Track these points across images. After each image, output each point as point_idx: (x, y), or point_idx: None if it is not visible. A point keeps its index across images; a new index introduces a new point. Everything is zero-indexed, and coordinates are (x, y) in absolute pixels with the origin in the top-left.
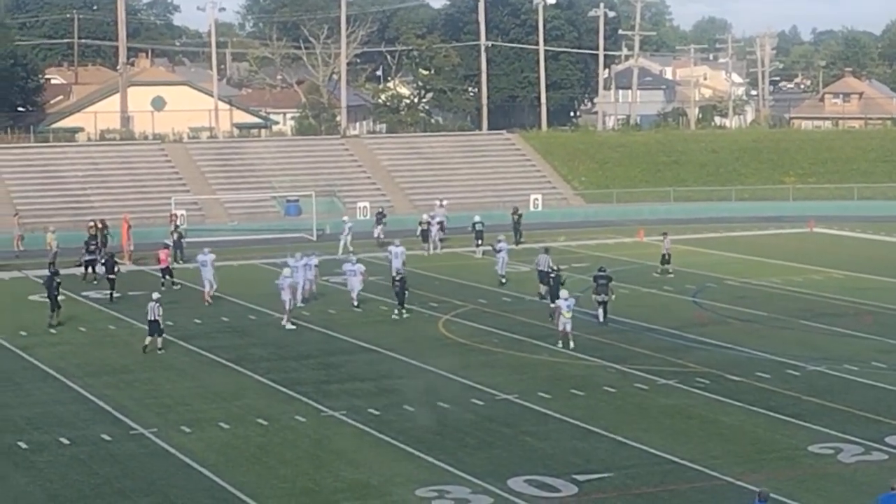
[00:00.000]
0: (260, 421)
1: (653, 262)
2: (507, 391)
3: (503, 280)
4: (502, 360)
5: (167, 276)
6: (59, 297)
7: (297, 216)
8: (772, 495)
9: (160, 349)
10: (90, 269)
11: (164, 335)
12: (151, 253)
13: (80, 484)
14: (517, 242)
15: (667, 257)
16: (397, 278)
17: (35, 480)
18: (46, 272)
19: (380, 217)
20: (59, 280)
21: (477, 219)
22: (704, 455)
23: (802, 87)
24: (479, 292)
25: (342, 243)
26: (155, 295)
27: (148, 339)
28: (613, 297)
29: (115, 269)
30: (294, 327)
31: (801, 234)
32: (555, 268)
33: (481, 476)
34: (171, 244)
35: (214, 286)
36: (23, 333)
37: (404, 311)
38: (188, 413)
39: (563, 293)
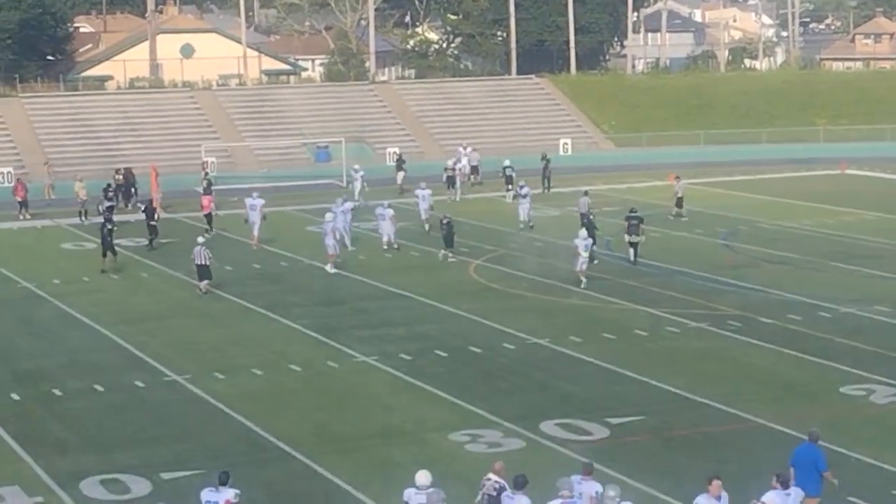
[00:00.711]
0: (293, 367)
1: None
2: (539, 335)
3: (530, 225)
4: (533, 305)
5: (209, 224)
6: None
7: (327, 162)
8: (804, 437)
9: (205, 293)
10: (110, 213)
11: (210, 279)
12: (181, 201)
13: (114, 430)
14: (546, 189)
15: (679, 201)
16: (444, 221)
17: (71, 427)
18: (101, 219)
19: (400, 163)
20: (111, 227)
21: (507, 163)
22: (736, 397)
23: (833, 27)
24: (509, 237)
25: (357, 191)
26: (200, 239)
27: (202, 284)
28: (644, 238)
29: (156, 216)
30: (336, 271)
31: (833, 176)
32: (592, 211)
33: (513, 420)
34: (203, 191)
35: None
36: (56, 281)
37: (450, 254)
38: (221, 360)
39: (582, 233)
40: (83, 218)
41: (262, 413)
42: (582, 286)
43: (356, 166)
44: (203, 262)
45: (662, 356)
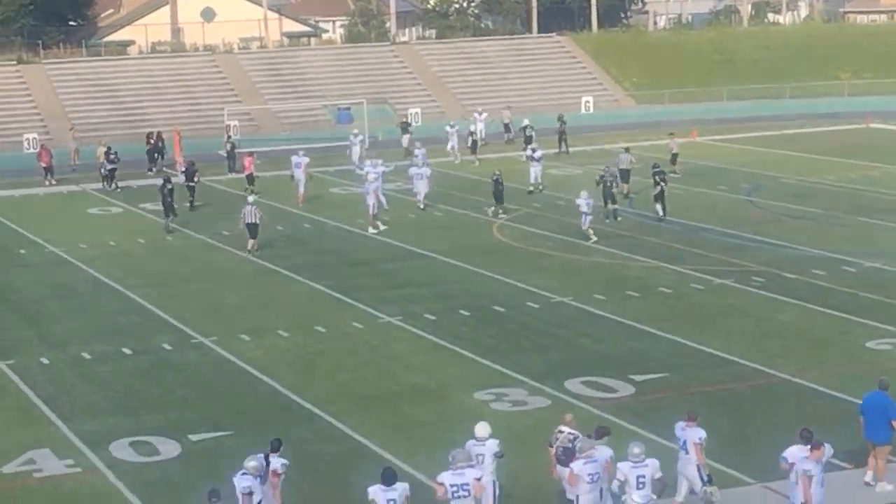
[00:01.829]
0: (318, 328)
1: (705, 161)
2: (563, 294)
3: (540, 188)
4: (557, 263)
5: (250, 185)
6: (185, 204)
7: (349, 124)
8: (829, 392)
9: (256, 251)
10: (112, 179)
11: (256, 237)
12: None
13: (143, 393)
14: (564, 150)
15: (674, 157)
16: (494, 178)
17: (100, 390)
18: (160, 180)
19: (405, 126)
20: (171, 187)
21: (526, 122)
22: (761, 353)
23: None
24: (532, 196)
25: (356, 156)
26: (250, 198)
27: (250, 242)
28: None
29: (196, 177)
30: (378, 231)
31: (858, 130)
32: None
33: (538, 378)
34: (226, 154)
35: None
36: (83, 246)
37: (500, 210)
38: (247, 321)
39: (584, 193)
40: (106, 183)
41: (289, 374)
42: (591, 242)
43: (355, 130)
44: (253, 221)
45: (687, 313)
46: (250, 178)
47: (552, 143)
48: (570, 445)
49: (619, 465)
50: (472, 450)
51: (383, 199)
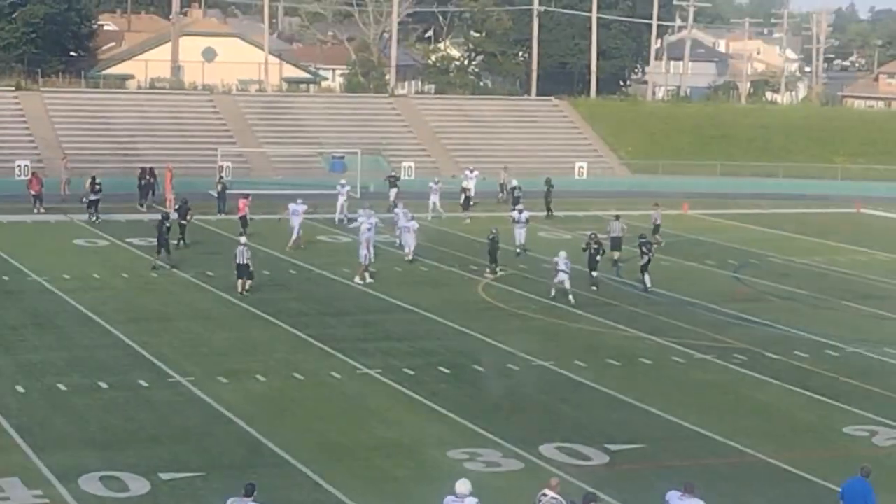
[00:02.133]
0: (296, 375)
1: (695, 235)
2: (543, 358)
3: (525, 250)
4: (540, 327)
5: (243, 227)
6: (172, 242)
7: (342, 173)
8: (804, 475)
9: (246, 291)
10: (94, 209)
11: (252, 279)
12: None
13: (116, 428)
14: (549, 213)
15: (656, 228)
16: (490, 237)
17: (73, 422)
18: (158, 216)
19: (393, 180)
20: (168, 224)
21: (514, 184)
22: (738, 431)
23: (857, 65)
24: (520, 258)
25: (339, 205)
26: (242, 239)
27: (239, 283)
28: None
29: (188, 216)
30: (364, 283)
31: (848, 215)
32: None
33: (513, 441)
34: (217, 195)
35: (297, 236)
36: (66, 277)
37: (497, 268)
38: (225, 363)
39: (562, 254)
40: (92, 216)
41: (264, 419)
42: (571, 303)
43: (343, 181)
44: (244, 262)
45: (666, 386)
46: (244, 221)
47: (534, 205)
48: None
49: None
50: None
51: (372, 251)
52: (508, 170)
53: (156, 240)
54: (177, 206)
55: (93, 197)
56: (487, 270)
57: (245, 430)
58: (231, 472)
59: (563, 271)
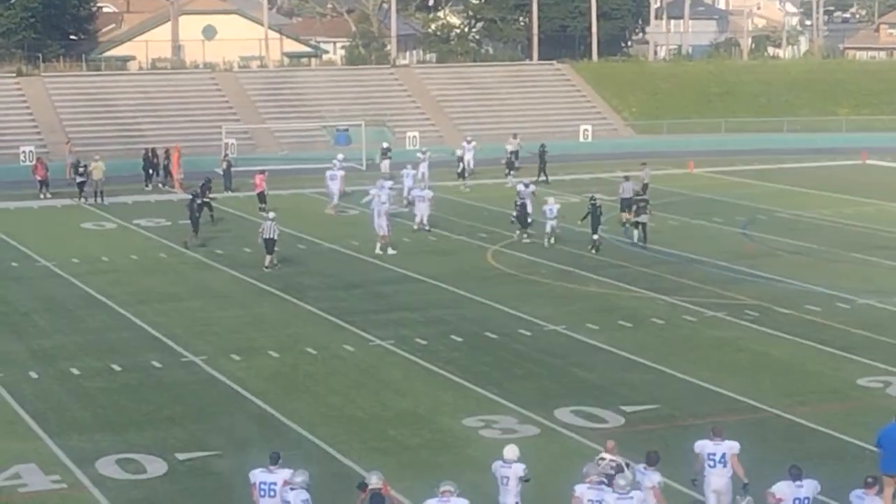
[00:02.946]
0: (309, 350)
1: (701, 193)
2: (555, 322)
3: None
4: (550, 291)
5: (262, 203)
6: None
7: (347, 146)
8: (819, 428)
9: (269, 267)
10: (80, 190)
11: (274, 252)
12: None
13: (130, 410)
14: (544, 179)
15: (645, 187)
16: (520, 202)
17: (87, 406)
18: (189, 195)
19: (385, 151)
20: (199, 202)
21: (510, 149)
22: (752, 388)
23: (858, 17)
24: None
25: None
26: (270, 214)
27: (267, 258)
28: (649, 218)
29: (210, 194)
30: (393, 252)
31: (854, 166)
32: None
33: (528, 406)
34: (223, 172)
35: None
36: (75, 260)
37: (526, 233)
38: (238, 341)
39: (550, 199)
40: (98, 198)
41: (278, 395)
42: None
43: (340, 156)
44: (271, 236)
45: (678, 345)
46: (262, 196)
47: (550, 170)
48: (613, 472)
49: (606, 497)
50: (499, 471)
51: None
52: (518, 136)
53: (189, 219)
54: (201, 184)
55: (79, 179)
56: (516, 235)
57: (260, 407)
58: (247, 449)
59: (550, 219)
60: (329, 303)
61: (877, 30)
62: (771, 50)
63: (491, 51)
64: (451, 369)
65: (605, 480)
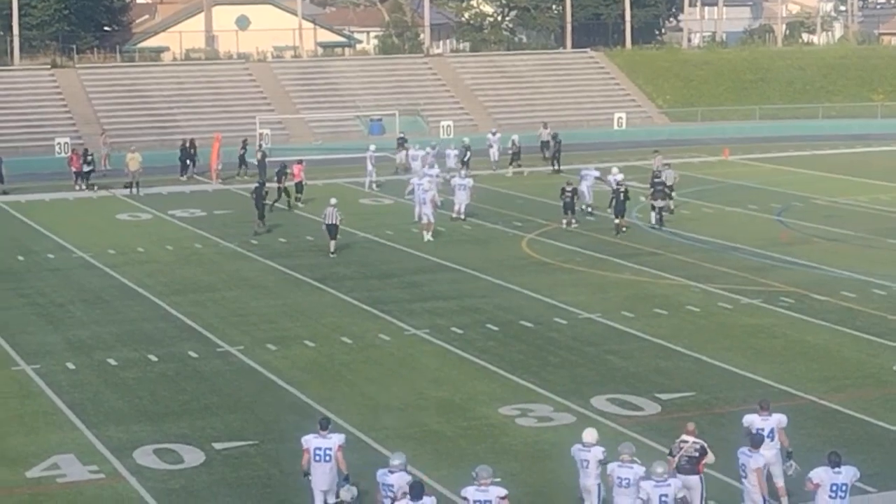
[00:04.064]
0: (344, 339)
1: (737, 181)
2: (590, 310)
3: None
4: (585, 279)
5: (298, 193)
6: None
7: (381, 135)
8: (856, 415)
9: (333, 252)
10: (86, 180)
11: (337, 238)
12: (235, 173)
13: (167, 400)
14: (557, 169)
15: (659, 177)
16: (568, 189)
17: (124, 396)
18: (255, 183)
19: (401, 142)
20: (267, 191)
21: (514, 137)
22: (788, 374)
23: (893, 2)
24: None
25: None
26: (332, 200)
27: (332, 244)
28: (669, 203)
29: (284, 180)
30: (428, 239)
31: (890, 152)
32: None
33: (564, 394)
34: (257, 163)
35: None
36: (111, 252)
37: (573, 220)
38: (273, 331)
39: (615, 169)
40: (133, 189)
41: (314, 385)
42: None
43: (372, 146)
44: (333, 222)
45: (714, 332)
46: (299, 186)
47: (579, 159)
48: (696, 454)
49: (642, 483)
50: (578, 455)
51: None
52: (549, 126)
53: (255, 207)
54: (276, 171)
55: (86, 168)
56: (563, 222)
57: (296, 396)
58: (284, 438)
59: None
60: (364, 292)
61: None
62: (805, 36)
63: (524, 39)
64: (487, 358)
65: (639, 461)
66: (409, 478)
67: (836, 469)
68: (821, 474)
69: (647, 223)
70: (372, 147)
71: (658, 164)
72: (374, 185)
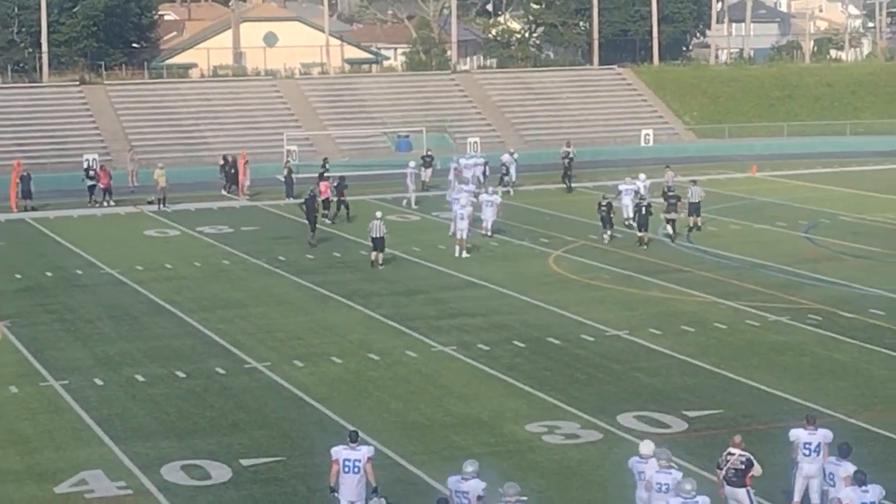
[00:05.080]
0: (371, 356)
1: (764, 197)
2: (618, 327)
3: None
4: (613, 296)
5: (326, 209)
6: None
7: (408, 151)
8: (885, 433)
9: (381, 265)
10: (91, 194)
11: (384, 251)
12: (262, 189)
13: (195, 416)
14: (568, 187)
15: (672, 191)
16: (604, 203)
17: (152, 413)
18: (307, 195)
19: (428, 160)
20: (318, 202)
21: (513, 157)
22: (816, 392)
23: None
24: (589, 228)
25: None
26: (378, 213)
27: (373, 255)
28: (682, 215)
29: (344, 193)
30: (465, 256)
31: None
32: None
33: (591, 412)
34: (284, 179)
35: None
36: (139, 268)
37: (611, 234)
38: (300, 347)
39: (642, 175)
40: (162, 205)
41: (341, 401)
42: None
43: (412, 163)
44: (379, 235)
45: (741, 349)
46: (326, 203)
47: (606, 175)
48: (742, 467)
49: (671, 500)
50: (636, 467)
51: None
52: (572, 144)
53: (306, 218)
54: (335, 185)
55: (89, 183)
56: (605, 237)
57: (323, 413)
58: (311, 454)
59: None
60: (391, 308)
61: None
62: (833, 52)
63: (552, 55)
64: (514, 375)
65: (675, 466)
66: (483, 484)
67: (864, 488)
68: (849, 494)
69: (665, 235)
70: (412, 164)
71: (669, 179)
72: (412, 203)
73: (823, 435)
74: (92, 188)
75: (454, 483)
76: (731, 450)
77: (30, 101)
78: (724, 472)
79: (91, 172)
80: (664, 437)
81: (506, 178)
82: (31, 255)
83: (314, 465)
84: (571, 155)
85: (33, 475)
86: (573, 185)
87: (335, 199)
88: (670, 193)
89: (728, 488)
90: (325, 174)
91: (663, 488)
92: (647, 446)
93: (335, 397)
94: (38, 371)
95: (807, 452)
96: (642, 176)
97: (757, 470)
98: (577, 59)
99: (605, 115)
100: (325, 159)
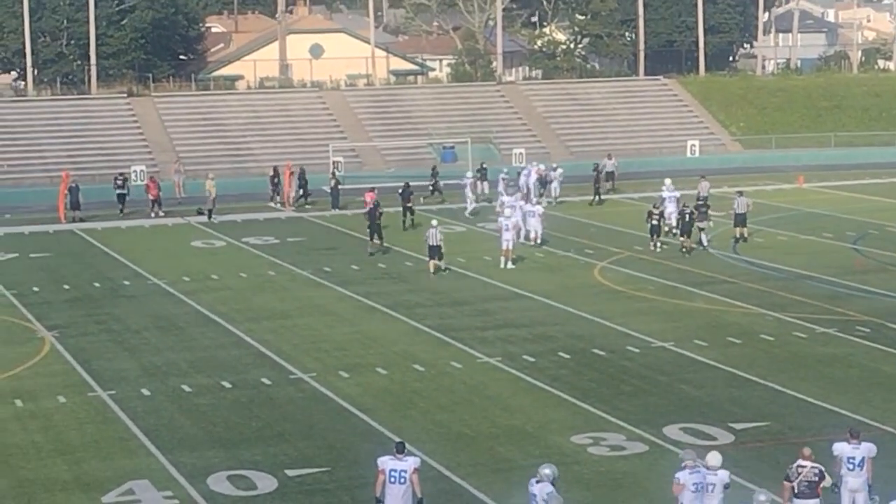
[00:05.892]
0: (416, 366)
1: (811, 209)
2: (663, 339)
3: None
4: (658, 308)
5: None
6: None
7: (453, 162)
8: None
9: (443, 271)
10: (123, 203)
11: (442, 258)
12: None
13: (241, 427)
14: (597, 200)
15: (703, 200)
16: (656, 212)
17: (198, 423)
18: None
19: (483, 173)
20: (381, 211)
21: (607, 168)
22: (864, 405)
23: None
24: (635, 239)
25: (466, 196)
26: (434, 222)
27: (431, 264)
28: (711, 224)
29: (411, 199)
30: (510, 267)
31: None
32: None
33: (637, 423)
34: (330, 190)
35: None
36: (186, 279)
37: (661, 243)
38: (346, 358)
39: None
40: (210, 217)
41: (386, 412)
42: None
43: (469, 174)
44: (436, 243)
45: (788, 361)
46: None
47: (652, 186)
48: (815, 479)
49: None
50: (707, 478)
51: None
52: (613, 157)
53: (368, 227)
54: (399, 191)
55: (119, 192)
56: (652, 245)
57: (368, 424)
58: (356, 466)
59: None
60: (436, 320)
61: None
62: (881, 62)
63: (597, 66)
64: (559, 386)
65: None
66: (550, 489)
67: (854, 444)
68: (842, 447)
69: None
70: (469, 174)
71: (703, 190)
72: (472, 212)
73: (867, 449)
74: (121, 197)
75: (529, 484)
76: (802, 462)
77: (78, 113)
78: (795, 484)
79: (119, 181)
80: (710, 450)
81: (543, 191)
82: (78, 266)
83: (359, 476)
84: (601, 168)
85: (81, 485)
86: (604, 197)
87: (402, 206)
88: (700, 202)
89: (798, 501)
90: (338, 186)
91: (710, 488)
92: (714, 457)
93: (380, 408)
94: (85, 381)
95: (850, 467)
96: (668, 181)
97: (828, 481)
98: (622, 69)
99: (651, 126)
100: (335, 171)
